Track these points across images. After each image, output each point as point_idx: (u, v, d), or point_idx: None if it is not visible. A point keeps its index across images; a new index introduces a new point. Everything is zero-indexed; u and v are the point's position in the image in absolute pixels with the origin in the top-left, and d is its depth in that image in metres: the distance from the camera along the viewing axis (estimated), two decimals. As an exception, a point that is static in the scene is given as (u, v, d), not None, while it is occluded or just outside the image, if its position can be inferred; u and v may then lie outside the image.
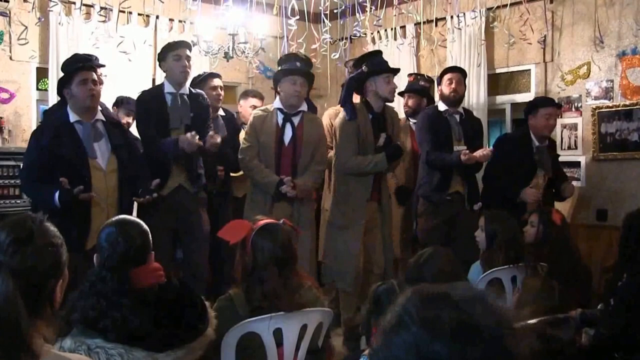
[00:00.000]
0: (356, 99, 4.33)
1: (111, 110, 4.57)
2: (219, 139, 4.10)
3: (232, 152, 4.41)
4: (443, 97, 4.73)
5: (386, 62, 4.39)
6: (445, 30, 5.87)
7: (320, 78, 6.40)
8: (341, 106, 4.32)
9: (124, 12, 5.37)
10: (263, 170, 4.13)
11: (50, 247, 1.63)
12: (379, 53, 4.55)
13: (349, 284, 4.18)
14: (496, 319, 0.96)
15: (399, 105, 5.43)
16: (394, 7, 5.65)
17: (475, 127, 4.81)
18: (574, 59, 5.15)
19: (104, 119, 3.77)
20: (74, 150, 3.56)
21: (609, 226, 4.82)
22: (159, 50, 4.40)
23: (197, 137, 3.92)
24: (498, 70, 5.71)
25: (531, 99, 5.02)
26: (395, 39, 6.23)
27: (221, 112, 4.81)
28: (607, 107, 4.95)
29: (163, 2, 5.06)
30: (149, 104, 4.11)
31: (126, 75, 5.39)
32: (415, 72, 5.83)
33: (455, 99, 4.69)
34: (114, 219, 2.24)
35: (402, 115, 5.32)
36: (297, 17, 4.77)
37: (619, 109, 4.88)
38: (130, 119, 4.72)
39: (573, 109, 5.17)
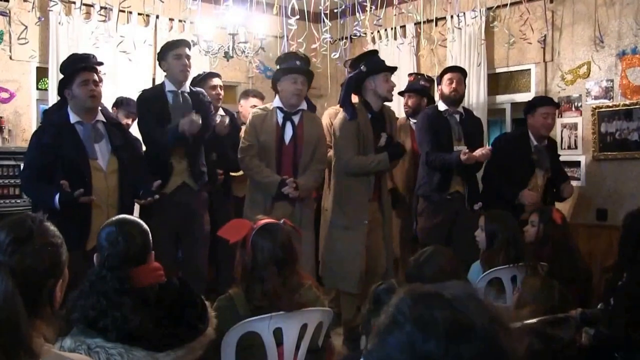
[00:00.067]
0: (354, 99, 4.32)
1: (110, 110, 4.56)
2: (227, 119, 4.26)
3: (233, 152, 4.41)
4: (443, 97, 4.73)
5: (383, 61, 4.40)
6: (445, 30, 5.87)
7: (320, 78, 6.40)
8: (340, 106, 4.31)
9: (124, 11, 5.37)
10: (264, 169, 4.12)
11: (50, 247, 1.63)
12: (375, 52, 4.57)
13: (353, 286, 4.14)
14: (489, 317, 0.97)
15: (399, 104, 5.44)
16: (394, 7, 5.66)
17: (476, 127, 4.81)
18: (574, 59, 5.15)
19: (104, 119, 3.77)
20: (74, 151, 3.56)
21: (609, 226, 4.82)
22: (158, 50, 4.39)
23: (199, 117, 3.93)
24: (498, 70, 5.71)
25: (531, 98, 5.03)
26: (395, 39, 6.23)
27: (221, 112, 4.81)
28: (607, 106, 4.94)
29: (163, 2, 5.06)
30: (151, 103, 4.10)
31: (126, 75, 5.39)
32: (415, 71, 5.83)
33: (455, 98, 4.70)
34: (114, 218, 2.24)
35: (402, 115, 5.33)
36: (297, 16, 4.77)
37: (619, 108, 4.88)
38: (129, 121, 4.71)
39: (573, 109, 5.17)
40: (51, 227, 1.68)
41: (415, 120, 5.06)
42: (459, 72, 4.81)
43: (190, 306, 2.09)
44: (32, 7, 4.93)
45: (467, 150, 4.39)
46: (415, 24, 6.00)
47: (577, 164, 5.12)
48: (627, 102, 4.83)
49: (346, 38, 5.55)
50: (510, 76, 5.76)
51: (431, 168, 4.56)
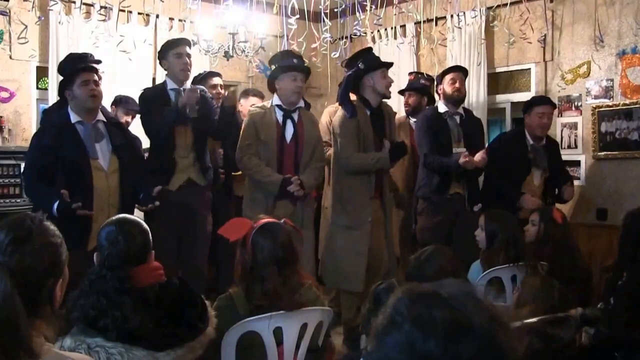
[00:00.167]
0: (351, 97, 4.31)
1: (110, 109, 4.56)
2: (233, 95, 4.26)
3: (233, 152, 4.41)
4: (446, 97, 4.68)
5: (379, 57, 4.41)
6: (445, 29, 5.87)
7: (320, 77, 6.41)
8: (339, 104, 4.30)
9: (124, 11, 5.37)
10: (264, 169, 4.09)
11: (50, 247, 1.63)
12: (370, 49, 4.58)
13: (356, 285, 4.10)
14: (488, 315, 0.97)
15: (399, 103, 5.44)
16: (394, 6, 5.66)
17: (476, 128, 4.79)
18: (574, 58, 5.15)
19: (104, 119, 3.77)
20: (75, 151, 3.56)
21: (609, 225, 4.82)
22: (159, 49, 4.39)
23: (197, 88, 3.97)
24: (498, 70, 5.71)
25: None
26: (395, 38, 6.23)
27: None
28: (607, 106, 4.94)
29: (163, 1, 5.06)
30: (153, 101, 4.09)
31: (126, 75, 5.39)
32: (415, 70, 5.83)
33: (458, 98, 4.68)
34: (114, 217, 2.24)
35: (402, 113, 5.33)
36: (297, 16, 4.77)
37: (619, 108, 4.88)
38: (129, 118, 4.72)
39: (573, 108, 5.17)
40: (51, 227, 1.68)
41: (415, 119, 5.06)
42: (461, 72, 4.80)
43: (190, 306, 2.09)
44: (32, 7, 4.93)
45: (467, 153, 4.39)
46: (415, 23, 6.00)
47: (577, 163, 5.11)
48: (627, 101, 4.83)
49: (346, 37, 5.55)
50: (510, 76, 5.76)
51: (429, 170, 4.55)
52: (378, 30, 6.33)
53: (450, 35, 5.72)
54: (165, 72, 4.27)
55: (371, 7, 5.32)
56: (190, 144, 4.11)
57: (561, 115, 5.20)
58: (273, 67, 4.23)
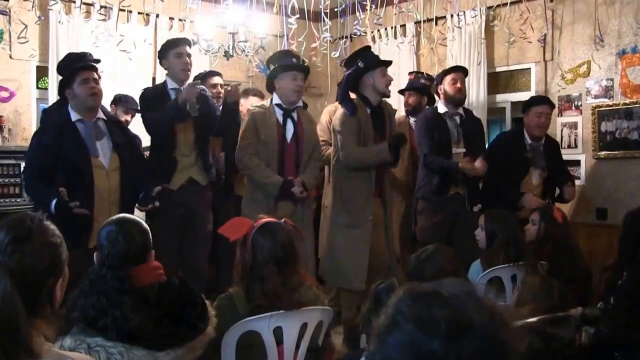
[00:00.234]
0: (351, 96, 4.31)
1: (109, 108, 4.56)
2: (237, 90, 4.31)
3: (234, 152, 4.40)
4: (447, 98, 4.65)
5: (377, 56, 4.41)
6: (445, 29, 5.87)
7: (320, 76, 6.42)
8: (339, 103, 4.29)
9: (124, 10, 5.37)
10: (264, 169, 4.06)
11: (50, 246, 1.63)
12: (368, 48, 4.57)
13: (358, 284, 4.08)
14: (489, 314, 0.97)
15: (399, 103, 5.44)
16: (394, 6, 5.66)
17: (476, 128, 4.77)
18: (574, 58, 5.15)
19: (105, 117, 3.77)
20: (76, 149, 3.57)
21: (608, 225, 4.82)
22: (159, 49, 4.39)
23: (198, 83, 3.97)
24: (498, 69, 5.71)
25: (529, 97, 5.03)
26: (395, 38, 6.23)
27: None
28: (607, 105, 4.94)
29: (163, 1, 5.07)
30: (153, 100, 4.08)
31: (126, 74, 5.39)
32: (415, 70, 5.83)
33: (460, 99, 4.67)
34: (114, 217, 2.24)
35: (402, 113, 5.32)
36: (297, 15, 4.77)
37: (619, 107, 4.88)
38: (128, 117, 4.72)
39: (573, 108, 5.17)
40: (51, 226, 1.68)
41: (415, 119, 5.06)
42: (462, 72, 4.80)
43: (190, 305, 2.09)
44: (32, 6, 4.93)
45: (467, 158, 4.39)
46: (415, 23, 6.00)
47: (577, 163, 5.11)
48: (627, 101, 4.83)
49: (346, 37, 5.55)
50: (510, 75, 5.76)
51: (429, 170, 4.55)
52: (378, 30, 6.33)
53: (450, 35, 5.72)
54: (166, 72, 4.27)
55: (371, 7, 5.32)
56: (191, 142, 4.11)
57: (561, 115, 5.20)
58: (271, 66, 4.20)
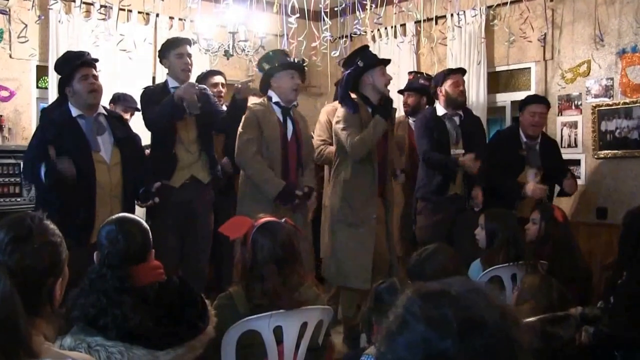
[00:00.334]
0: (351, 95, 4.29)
1: (108, 107, 4.55)
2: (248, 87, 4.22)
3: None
4: (449, 99, 4.62)
5: (376, 55, 4.41)
6: (445, 28, 5.87)
7: (320, 76, 6.42)
8: (340, 102, 4.25)
9: (124, 10, 5.37)
10: (266, 170, 3.97)
11: (49, 246, 1.63)
12: (367, 47, 4.54)
13: (363, 282, 4.02)
14: (500, 312, 0.97)
15: (399, 103, 5.43)
16: (394, 5, 5.66)
17: (475, 126, 4.77)
18: (574, 57, 5.15)
19: (105, 113, 3.78)
20: (77, 144, 3.57)
21: (608, 224, 4.82)
22: (159, 48, 4.38)
23: (195, 86, 3.96)
24: (498, 68, 5.71)
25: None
26: (395, 37, 6.23)
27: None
28: (607, 105, 4.94)
29: (163, 0, 5.06)
30: (155, 98, 4.05)
31: (126, 74, 5.39)
32: (415, 70, 5.83)
33: (462, 101, 4.67)
34: (113, 217, 2.24)
35: (401, 113, 5.32)
36: (297, 15, 4.77)
37: (619, 107, 4.88)
38: (127, 115, 4.71)
39: (573, 107, 5.17)
40: (51, 226, 1.68)
41: (414, 119, 5.05)
42: (462, 74, 4.79)
43: (190, 305, 2.09)
44: (32, 6, 4.93)
45: (470, 155, 4.40)
46: (415, 22, 6.00)
47: (577, 162, 5.11)
48: (627, 100, 4.83)
49: (346, 36, 5.55)
50: (510, 74, 5.76)
51: (428, 166, 4.54)
52: (378, 29, 6.33)
53: (451, 34, 5.72)
54: (166, 72, 4.27)
55: (371, 6, 5.32)
56: (194, 139, 4.10)
57: (561, 114, 5.20)
58: (265, 65, 4.13)
